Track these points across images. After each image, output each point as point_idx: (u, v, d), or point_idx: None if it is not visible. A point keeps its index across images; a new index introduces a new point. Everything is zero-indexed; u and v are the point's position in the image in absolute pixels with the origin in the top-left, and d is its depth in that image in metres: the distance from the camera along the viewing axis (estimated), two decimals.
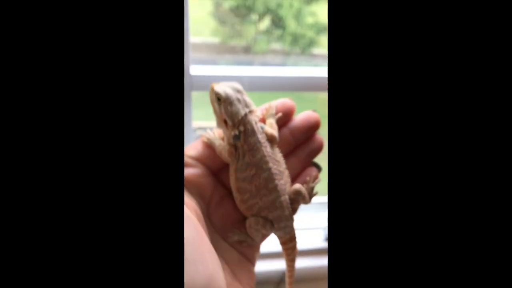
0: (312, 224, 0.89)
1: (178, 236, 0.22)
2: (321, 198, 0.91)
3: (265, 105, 0.29)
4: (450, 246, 0.22)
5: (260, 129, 0.27)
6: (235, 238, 0.28)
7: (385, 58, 0.23)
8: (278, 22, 0.94)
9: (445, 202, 0.22)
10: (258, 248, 0.30)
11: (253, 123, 0.27)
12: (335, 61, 0.23)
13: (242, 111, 0.26)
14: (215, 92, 0.26)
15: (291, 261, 0.31)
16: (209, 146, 0.28)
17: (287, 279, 0.32)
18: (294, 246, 0.30)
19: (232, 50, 0.97)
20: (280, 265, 0.79)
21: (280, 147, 0.29)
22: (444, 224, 0.22)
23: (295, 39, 0.96)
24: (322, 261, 0.82)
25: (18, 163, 0.21)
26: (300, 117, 0.29)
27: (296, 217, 0.30)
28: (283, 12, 0.93)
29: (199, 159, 0.27)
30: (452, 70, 0.23)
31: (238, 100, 0.26)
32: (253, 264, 0.30)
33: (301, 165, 0.30)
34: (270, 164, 0.26)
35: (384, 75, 0.23)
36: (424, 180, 0.23)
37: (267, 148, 0.27)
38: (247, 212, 0.28)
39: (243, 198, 0.27)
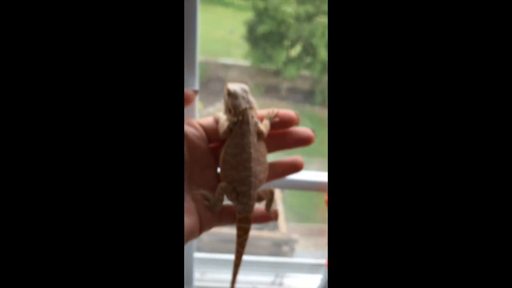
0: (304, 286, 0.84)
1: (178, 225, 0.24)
2: (314, 259, 0.87)
3: (270, 110, 0.36)
4: (450, 252, 0.23)
5: (253, 123, 0.35)
6: (201, 191, 0.34)
7: (385, 60, 0.23)
8: (309, 50, 0.96)
9: (445, 207, 0.23)
10: (210, 221, 0.34)
11: (249, 116, 0.35)
12: (335, 63, 0.24)
13: (243, 105, 0.35)
14: (227, 87, 0.35)
15: (240, 245, 0.36)
16: (216, 121, 0.36)
17: (233, 265, 0.37)
18: (247, 229, 0.35)
19: (262, 73, 0.99)
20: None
21: (267, 143, 0.35)
22: (444, 229, 0.23)
23: (325, 67, 0.96)
24: None
25: (15, 162, 0.22)
26: (296, 131, 0.35)
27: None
28: (315, 40, 0.94)
29: (205, 127, 0.35)
30: (451, 70, 0.23)
31: (243, 97, 0.35)
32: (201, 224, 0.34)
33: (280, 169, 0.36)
34: (252, 150, 0.34)
35: (384, 77, 0.23)
36: (424, 183, 0.23)
37: (254, 138, 0.35)
38: (224, 179, 0.35)
39: (225, 167, 0.35)
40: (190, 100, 0.34)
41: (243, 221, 0.35)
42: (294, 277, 0.80)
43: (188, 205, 0.33)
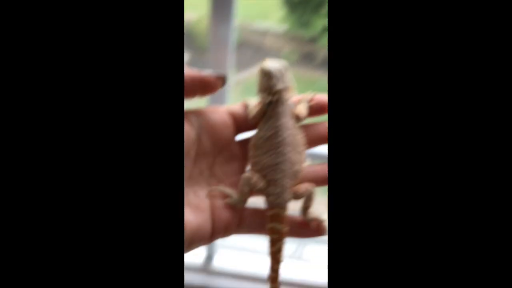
0: None
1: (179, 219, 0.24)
2: None
3: (307, 94, 0.32)
4: (451, 254, 0.23)
5: (289, 105, 0.31)
6: (219, 187, 0.30)
7: (385, 59, 0.23)
8: None
9: (445, 206, 0.22)
10: (227, 223, 0.30)
11: (284, 97, 0.31)
12: (335, 62, 0.24)
13: (279, 86, 0.30)
14: (262, 66, 0.31)
15: (275, 257, 0.30)
16: (245, 106, 0.32)
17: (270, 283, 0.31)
18: (281, 232, 0.30)
19: (298, 40, 0.95)
20: None
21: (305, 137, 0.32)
22: (444, 229, 0.23)
23: None
24: None
25: (15, 162, 0.22)
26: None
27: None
28: None
29: (233, 114, 0.31)
30: (451, 70, 0.22)
31: (278, 77, 0.30)
32: (213, 229, 0.29)
33: None
34: (286, 134, 0.30)
35: (384, 76, 0.23)
36: (424, 183, 0.23)
37: (290, 121, 0.30)
38: (254, 167, 0.30)
39: (255, 153, 0.30)
40: (213, 87, 0.29)
41: (276, 219, 0.29)
42: (314, 250, 0.82)
43: (201, 202, 0.29)
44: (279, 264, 0.30)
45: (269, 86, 0.30)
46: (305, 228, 0.30)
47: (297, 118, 0.31)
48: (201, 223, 0.28)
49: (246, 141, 0.31)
